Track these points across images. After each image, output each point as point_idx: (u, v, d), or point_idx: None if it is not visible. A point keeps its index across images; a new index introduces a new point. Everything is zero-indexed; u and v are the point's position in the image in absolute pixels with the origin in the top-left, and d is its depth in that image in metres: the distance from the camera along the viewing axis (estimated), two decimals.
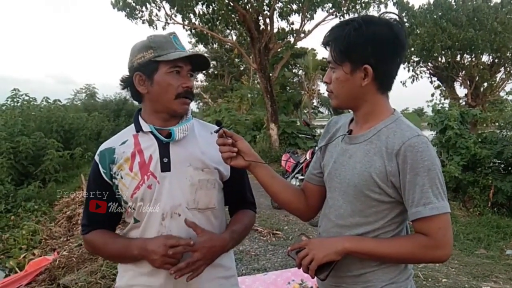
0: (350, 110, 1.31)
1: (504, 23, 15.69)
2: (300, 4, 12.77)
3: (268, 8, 12.59)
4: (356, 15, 11.94)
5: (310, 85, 26.19)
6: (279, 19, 13.33)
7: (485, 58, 17.82)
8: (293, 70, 27.69)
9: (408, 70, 18.68)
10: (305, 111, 26.75)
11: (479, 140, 7.76)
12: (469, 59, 17.93)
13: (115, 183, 1.35)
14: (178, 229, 1.31)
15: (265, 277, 3.70)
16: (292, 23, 13.69)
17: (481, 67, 17.43)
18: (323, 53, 28.01)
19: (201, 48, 23.64)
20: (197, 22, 13.10)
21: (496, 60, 17.92)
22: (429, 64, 18.84)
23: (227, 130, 1.32)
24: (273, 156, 11.95)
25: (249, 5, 12.27)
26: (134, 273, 1.36)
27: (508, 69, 18.21)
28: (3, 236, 6.03)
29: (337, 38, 1.18)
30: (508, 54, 17.08)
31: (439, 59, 18.22)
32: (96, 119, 13.80)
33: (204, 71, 25.65)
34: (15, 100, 11.91)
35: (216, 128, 1.32)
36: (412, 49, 16.84)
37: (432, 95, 18.55)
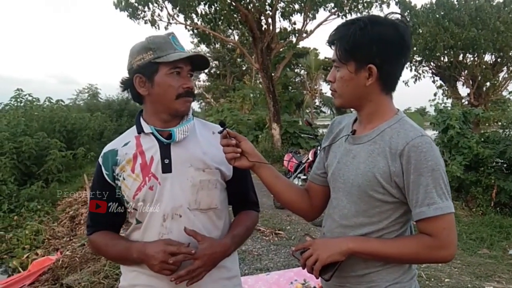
0: (353, 110, 1.31)
1: (506, 22, 15.62)
2: (302, 4, 12.75)
3: (270, 8, 12.57)
4: (358, 14, 11.99)
5: (312, 84, 26.18)
6: (281, 19, 13.33)
7: (487, 57, 17.74)
8: (295, 70, 27.68)
9: (411, 70, 18.63)
10: (307, 111, 26.70)
11: (482, 139, 7.75)
12: (472, 58, 17.86)
13: (117, 184, 1.36)
14: (178, 230, 1.31)
15: (268, 277, 3.70)
16: (294, 23, 13.67)
17: (484, 66, 17.35)
18: (325, 53, 28.01)
19: (203, 48, 23.72)
20: (199, 22, 13.10)
21: (498, 60, 17.84)
22: (432, 63, 18.77)
23: (231, 131, 1.32)
24: (275, 156, 11.92)
25: (251, 5, 12.26)
26: (138, 273, 1.36)
27: (511, 68, 18.14)
28: (6, 236, 6.05)
29: (343, 37, 1.18)
30: (510, 54, 17.00)
31: (442, 58, 18.14)
32: (99, 119, 13.80)
33: (205, 71, 25.73)
34: (18, 100, 11.93)
35: (220, 128, 1.31)
36: (415, 48, 16.75)
37: (435, 94, 18.47)
